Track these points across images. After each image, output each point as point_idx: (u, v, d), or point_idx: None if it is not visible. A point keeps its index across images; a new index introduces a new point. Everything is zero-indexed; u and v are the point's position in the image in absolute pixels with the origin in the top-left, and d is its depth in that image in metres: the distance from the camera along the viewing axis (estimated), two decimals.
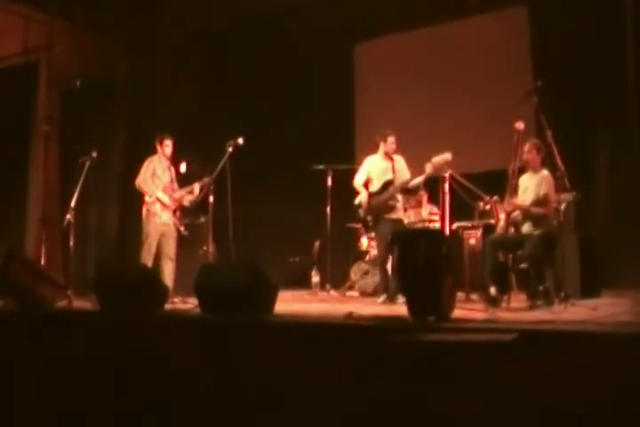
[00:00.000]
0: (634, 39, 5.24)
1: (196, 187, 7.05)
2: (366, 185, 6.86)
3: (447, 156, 6.36)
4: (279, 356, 3.63)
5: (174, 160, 7.34)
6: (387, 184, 6.74)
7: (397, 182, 6.71)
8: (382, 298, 6.44)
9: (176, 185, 7.23)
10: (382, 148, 6.83)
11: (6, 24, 7.75)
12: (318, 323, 4.22)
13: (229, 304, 4.38)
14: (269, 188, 9.16)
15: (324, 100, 9.07)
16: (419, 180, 6.65)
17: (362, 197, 6.84)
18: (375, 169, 6.85)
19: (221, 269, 5.02)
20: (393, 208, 6.73)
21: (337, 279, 8.16)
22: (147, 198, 7.02)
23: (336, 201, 8.05)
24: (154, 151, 7.23)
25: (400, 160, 6.85)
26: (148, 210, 6.98)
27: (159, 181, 7.10)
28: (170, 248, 7.00)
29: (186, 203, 7.15)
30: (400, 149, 6.92)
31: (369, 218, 6.79)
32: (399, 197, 6.80)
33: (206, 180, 6.92)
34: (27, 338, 4.46)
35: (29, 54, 8.09)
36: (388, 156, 6.83)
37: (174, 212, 7.17)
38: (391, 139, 6.81)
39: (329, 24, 8.84)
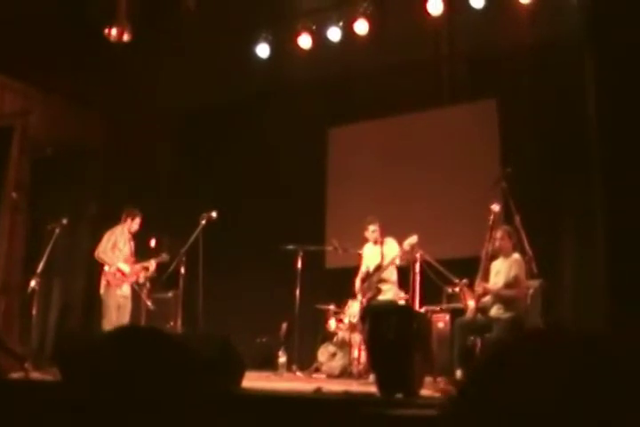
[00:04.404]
0: (596, 127, 5.49)
1: (152, 263, 7.15)
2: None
3: (413, 238, 6.58)
4: None
5: (142, 234, 7.39)
6: (377, 269, 6.96)
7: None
8: None
9: (134, 259, 7.28)
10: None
11: None
12: (287, 396, 4.11)
13: None
14: (239, 266, 9.11)
15: (297, 180, 9.20)
16: (389, 260, 6.88)
17: (357, 283, 7.18)
18: (367, 255, 7.19)
19: (189, 339, 4.91)
20: (380, 291, 6.89)
21: (304, 361, 7.98)
22: (106, 269, 7.01)
23: (305, 282, 8.00)
24: (118, 222, 7.28)
25: (390, 243, 7.02)
26: (108, 281, 6.95)
27: (120, 253, 7.15)
28: (124, 322, 6.93)
29: (141, 280, 7.18)
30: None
31: (363, 300, 7.00)
32: (393, 277, 6.98)
33: (164, 256, 7.04)
34: None
35: (3, 120, 8.12)
36: (377, 242, 7.04)
37: (138, 285, 7.16)
38: (371, 227, 7.10)
39: (304, 108, 9.09)
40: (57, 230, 6.89)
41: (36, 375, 5.62)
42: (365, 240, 7.26)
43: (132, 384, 1.19)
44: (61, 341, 7.02)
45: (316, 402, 3.86)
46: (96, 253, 7.09)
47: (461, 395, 0.79)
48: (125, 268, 7.06)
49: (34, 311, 6.66)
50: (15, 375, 5.46)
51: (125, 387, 1.19)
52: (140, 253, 7.42)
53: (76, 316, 8.76)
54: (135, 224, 7.35)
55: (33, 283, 6.56)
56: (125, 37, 7.82)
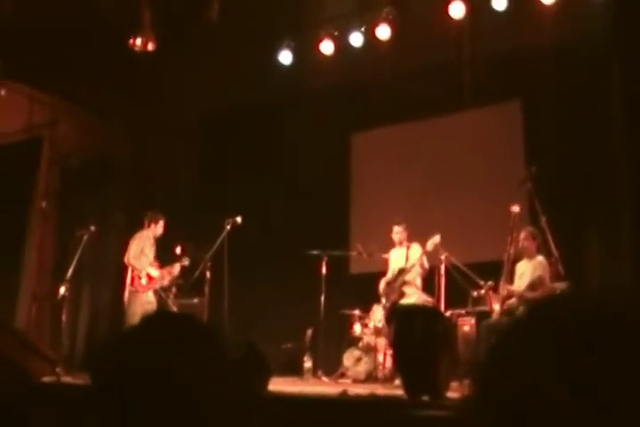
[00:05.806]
0: (622, 127, 5.45)
1: (177, 267, 7.17)
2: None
3: (436, 238, 6.56)
4: None
5: (167, 241, 7.45)
6: (400, 271, 7.02)
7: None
8: None
9: (158, 263, 7.35)
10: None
11: (12, 103, 7.99)
12: (314, 398, 4.12)
13: None
14: (264, 272, 9.13)
15: (321, 186, 9.20)
16: (412, 263, 6.95)
17: (381, 285, 7.21)
18: (393, 258, 7.24)
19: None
20: (404, 294, 6.95)
21: (329, 366, 7.98)
22: (135, 274, 7.05)
23: (330, 287, 8.00)
24: (142, 227, 7.33)
25: (414, 247, 7.05)
26: (135, 288, 6.98)
27: (146, 259, 7.17)
28: None
29: (165, 282, 7.21)
30: None
31: (386, 304, 7.11)
32: (418, 282, 7.03)
33: (185, 260, 7.09)
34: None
35: (33, 131, 8.28)
36: (402, 244, 7.04)
37: (164, 290, 7.22)
38: (396, 228, 7.13)
39: (327, 114, 9.11)
40: (85, 238, 6.97)
41: (67, 379, 5.69)
42: (392, 244, 7.27)
43: (159, 379, 1.19)
44: (92, 345, 7.10)
45: (342, 404, 3.87)
46: (126, 259, 7.12)
47: (470, 388, 0.78)
48: (154, 273, 7.10)
49: (64, 317, 6.75)
50: (47, 379, 5.53)
51: (153, 383, 1.20)
52: (166, 259, 7.47)
53: (105, 321, 8.88)
54: (159, 228, 7.33)
55: (62, 289, 6.64)
56: (150, 47, 7.94)
